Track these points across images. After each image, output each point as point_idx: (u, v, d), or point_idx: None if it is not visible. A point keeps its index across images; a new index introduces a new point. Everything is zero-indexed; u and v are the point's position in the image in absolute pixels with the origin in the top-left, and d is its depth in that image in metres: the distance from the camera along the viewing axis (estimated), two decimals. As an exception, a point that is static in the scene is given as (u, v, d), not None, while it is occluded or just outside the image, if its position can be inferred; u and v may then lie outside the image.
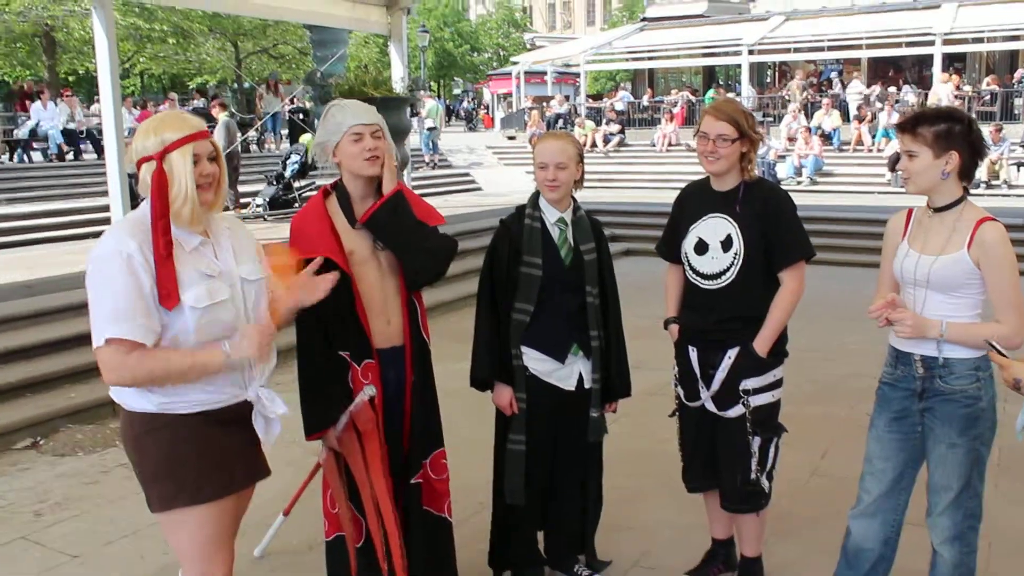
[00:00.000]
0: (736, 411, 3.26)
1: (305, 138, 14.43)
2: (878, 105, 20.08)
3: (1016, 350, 2.63)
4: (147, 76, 36.63)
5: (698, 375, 3.34)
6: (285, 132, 21.25)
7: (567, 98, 28.34)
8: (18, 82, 27.89)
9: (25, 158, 17.81)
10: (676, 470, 3.59)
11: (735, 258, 3.21)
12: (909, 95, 20.84)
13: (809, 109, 21.42)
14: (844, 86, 23.23)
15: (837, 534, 3.17)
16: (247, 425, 2.52)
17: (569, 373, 3.36)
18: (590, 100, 28.89)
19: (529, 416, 3.33)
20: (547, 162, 3.26)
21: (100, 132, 14.19)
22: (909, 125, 2.76)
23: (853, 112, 20.68)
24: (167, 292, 2.30)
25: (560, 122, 23.98)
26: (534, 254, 3.29)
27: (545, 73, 32.16)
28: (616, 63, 32.26)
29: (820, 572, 3.39)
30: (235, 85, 33.28)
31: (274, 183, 13.36)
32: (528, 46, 43.96)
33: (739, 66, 26.25)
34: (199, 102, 23.44)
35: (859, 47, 24.90)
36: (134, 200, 8.83)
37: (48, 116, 17.93)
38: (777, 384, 3.31)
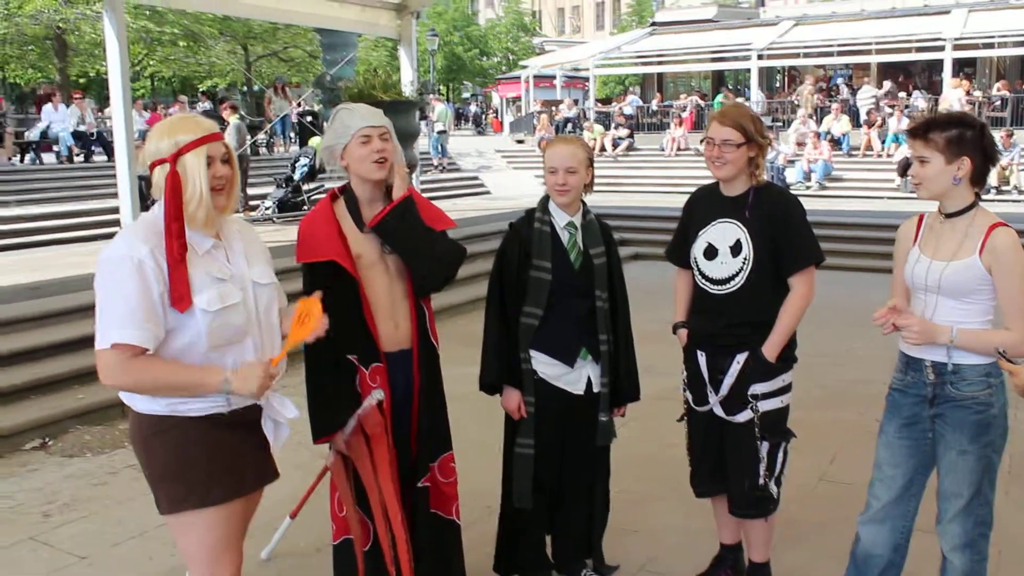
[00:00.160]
0: (744, 416, 3.25)
1: (314, 141, 14.46)
2: (887, 111, 20.01)
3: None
4: (157, 79, 36.75)
5: (707, 380, 3.33)
6: (294, 134, 21.31)
7: (576, 102, 28.34)
8: (31, 84, 28.02)
9: (37, 160, 17.88)
10: (684, 475, 3.58)
11: (744, 263, 3.20)
12: (919, 100, 20.78)
13: (818, 114, 21.38)
14: (854, 91, 23.16)
15: (846, 540, 3.15)
16: (256, 428, 2.52)
17: (578, 377, 3.36)
18: (599, 104, 28.89)
19: (537, 420, 3.32)
20: (557, 166, 3.26)
21: (111, 134, 14.23)
22: (921, 130, 2.75)
23: (863, 117, 20.63)
24: (180, 295, 2.31)
25: (569, 126, 23.97)
26: (544, 258, 3.28)
27: (554, 77, 32.19)
28: (625, 67, 32.24)
29: (829, 579, 3.38)
30: (245, 88, 33.38)
31: (283, 186, 13.40)
32: (537, 50, 43.97)
33: (748, 71, 26.22)
34: (206, 104, 23.48)
35: (869, 52, 24.86)
36: (144, 202, 8.86)
37: (59, 118, 18.02)
38: (786, 389, 3.30)
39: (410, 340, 3.05)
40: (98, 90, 33.73)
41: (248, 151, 15.23)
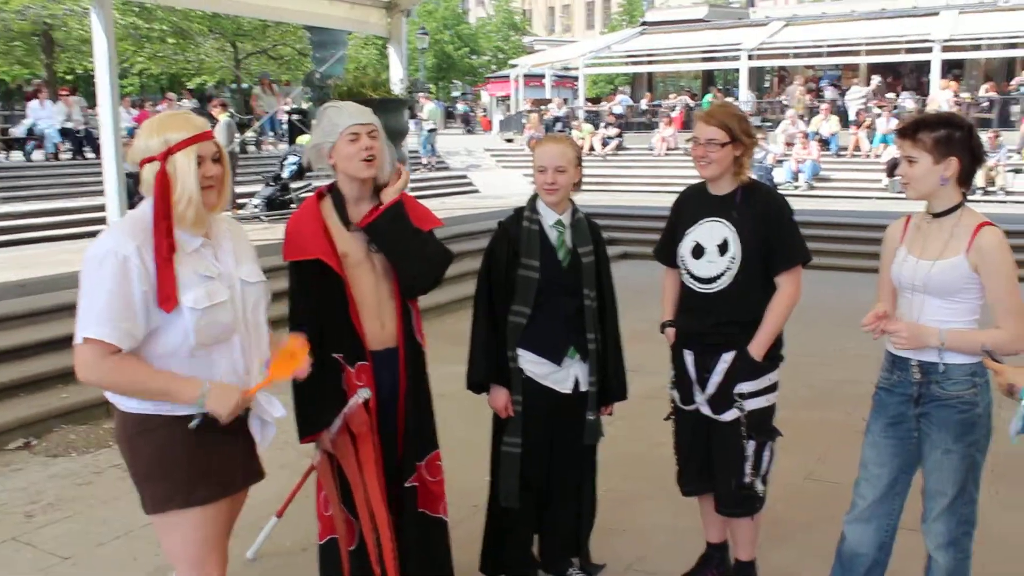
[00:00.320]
0: (731, 415, 3.26)
1: (303, 139, 14.42)
2: (876, 112, 20.08)
3: (1015, 356, 2.63)
4: (146, 76, 36.55)
5: (694, 379, 3.34)
6: (282, 130, 21.22)
7: (565, 101, 28.33)
8: (17, 80, 27.85)
9: (29, 157, 17.75)
10: (671, 474, 3.58)
11: (731, 262, 3.20)
12: (908, 101, 20.86)
13: (807, 114, 21.43)
14: (842, 92, 23.24)
15: (831, 539, 3.16)
16: (242, 428, 2.51)
17: (565, 376, 3.35)
18: (588, 104, 28.91)
19: (525, 419, 3.32)
20: (546, 165, 3.25)
21: (98, 131, 14.15)
22: (909, 130, 2.76)
23: (852, 117, 20.70)
24: (166, 295, 2.29)
25: (558, 125, 23.96)
26: (532, 256, 3.28)
27: (544, 76, 32.15)
28: (615, 67, 32.28)
29: (815, 577, 3.39)
30: (234, 85, 33.26)
31: (271, 184, 13.34)
32: (527, 49, 43.98)
33: (738, 71, 26.29)
34: (190, 102, 23.31)
35: (858, 53, 24.98)
36: (131, 200, 8.81)
37: (45, 115, 17.89)
38: (772, 388, 3.31)
39: (396, 339, 3.04)
40: (86, 87, 33.55)
41: (236, 149, 15.16)
